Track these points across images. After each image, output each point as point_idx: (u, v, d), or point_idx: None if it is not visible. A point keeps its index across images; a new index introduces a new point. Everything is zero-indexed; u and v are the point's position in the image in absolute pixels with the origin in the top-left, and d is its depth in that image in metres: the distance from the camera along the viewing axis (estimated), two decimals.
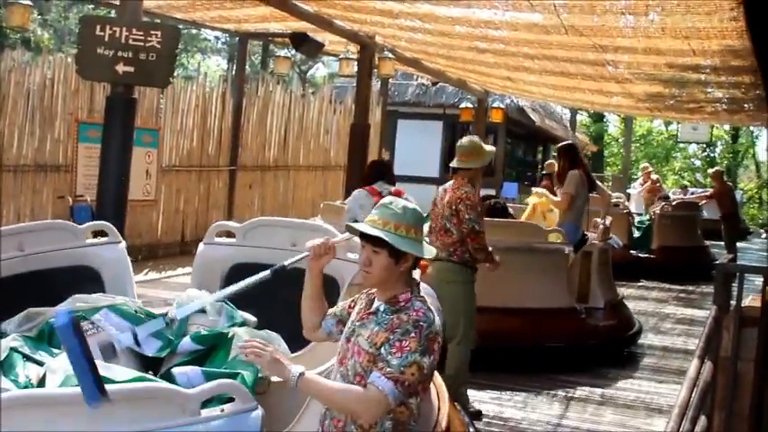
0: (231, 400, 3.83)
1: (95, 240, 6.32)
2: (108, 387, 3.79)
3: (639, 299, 14.45)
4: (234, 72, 17.76)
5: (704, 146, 45.88)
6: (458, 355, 7.25)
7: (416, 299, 3.52)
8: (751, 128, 40.43)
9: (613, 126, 49.98)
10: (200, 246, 6.43)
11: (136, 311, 5.07)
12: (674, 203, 19.26)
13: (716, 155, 48.53)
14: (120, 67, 8.56)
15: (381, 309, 3.51)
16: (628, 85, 13.60)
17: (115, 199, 8.78)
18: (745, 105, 14.40)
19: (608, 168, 47.44)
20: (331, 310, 3.86)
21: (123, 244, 6.32)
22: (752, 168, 49.88)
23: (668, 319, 12.93)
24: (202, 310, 5.08)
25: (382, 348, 3.35)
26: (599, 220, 11.07)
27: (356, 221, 6.81)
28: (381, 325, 3.44)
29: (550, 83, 15.11)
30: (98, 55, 8.54)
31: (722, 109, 15.50)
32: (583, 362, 9.22)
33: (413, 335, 3.35)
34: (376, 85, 19.63)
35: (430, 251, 3.63)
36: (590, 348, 9.50)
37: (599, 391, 8.60)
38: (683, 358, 9.88)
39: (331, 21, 12.55)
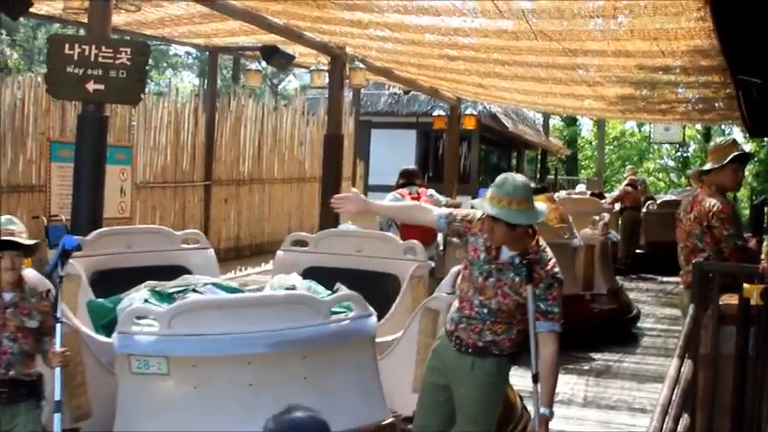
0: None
1: (189, 246, 7.70)
2: (265, 293, 6.11)
3: (634, 289, 15.26)
4: (205, 87, 17.72)
5: (677, 146, 46.12)
6: None
7: (542, 251, 4.55)
8: (722, 126, 40.63)
9: (586, 129, 50.19)
10: (279, 252, 7.95)
11: (234, 288, 6.49)
12: (658, 203, 20.23)
13: (689, 154, 48.77)
14: (91, 86, 8.52)
15: (516, 261, 4.49)
16: (599, 87, 13.69)
17: (90, 217, 8.72)
18: (716, 104, 14.51)
19: (582, 171, 47.62)
20: (449, 215, 4.81)
21: (212, 250, 7.74)
22: None
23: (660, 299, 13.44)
24: (292, 287, 6.44)
25: (538, 302, 4.45)
26: (597, 217, 12.65)
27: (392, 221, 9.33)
28: (521, 276, 4.45)
29: (522, 88, 15.18)
30: (68, 74, 8.50)
31: (693, 109, 15.62)
32: (590, 340, 10.42)
33: (556, 285, 4.52)
34: (348, 95, 19.65)
35: (540, 215, 4.50)
36: (596, 329, 10.79)
37: (605, 364, 9.99)
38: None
39: (301, 33, 12.55)
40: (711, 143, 6.89)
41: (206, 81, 17.80)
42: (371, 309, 5.47)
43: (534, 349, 4.45)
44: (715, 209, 6.30)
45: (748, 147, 43.02)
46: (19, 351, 4.67)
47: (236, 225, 17.87)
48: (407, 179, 9.81)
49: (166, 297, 5.93)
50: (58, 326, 4.63)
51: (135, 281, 6.25)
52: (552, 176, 39.28)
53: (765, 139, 28.73)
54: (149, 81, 32.66)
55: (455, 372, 4.61)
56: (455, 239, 5.01)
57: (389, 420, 5.45)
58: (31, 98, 12.85)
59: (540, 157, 36.64)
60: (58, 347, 4.64)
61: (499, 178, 4.53)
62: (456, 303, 4.69)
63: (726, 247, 6.24)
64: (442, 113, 21.40)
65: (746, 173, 43.14)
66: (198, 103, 16.94)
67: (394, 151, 24.77)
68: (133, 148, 14.43)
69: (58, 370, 4.56)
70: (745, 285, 5.39)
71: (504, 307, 4.49)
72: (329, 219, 12.88)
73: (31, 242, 4.78)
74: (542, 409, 4.44)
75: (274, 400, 4.31)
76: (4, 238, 4.69)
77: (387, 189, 21.63)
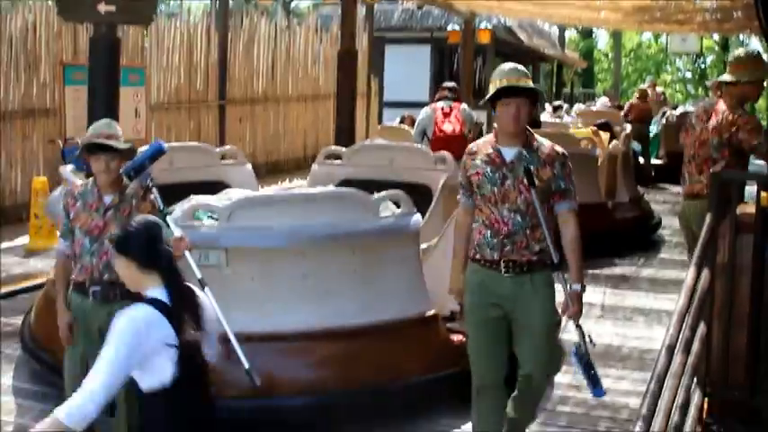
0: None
1: (228, 161, 8.00)
2: (317, 190, 6.77)
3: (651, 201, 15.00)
4: (217, 6, 17.56)
5: (694, 57, 45.65)
6: None
7: (539, 140, 4.66)
8: (741, 37, 40.13)
9: (603, 42, 49.74)
10: (314, 166, 8.33)
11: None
12: (677, 114, 19.93)
13: (706, 66, 48.30)
14: (102, 7, 8.43)
15: (524, 152, 4.55)
16: None
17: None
18: (734, 13, 14.28)
19: (599, 84, 47.27)
20: (463, 189, 4.73)
21: (249, 165, 8.07)
22: None
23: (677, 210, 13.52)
24: None
25: (558, 182, 4.55)
26: (618, 128, 13.61)
27: (425, 131, 10.07)
28: (534, 163, 4.51)
29: None
30: None
31: (711, 18, 15.38)
32: (612, 247, 10.76)
33: (568, 162, 4.62)
34: (361, 11, 19.44)
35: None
36: (618, 236, 11.15)
37: (630, 269, 10.54)
38: None
39: None
40: (735, 54, 6.76)
41: (218, 0, 17.62)
42: (415, 209, 5.93)
43: (548, 234, 4.47)
44: (741, 120, 6.27)
45: (766, 56, 42.69)
46: None
47: (252, 144, 17.85)
48: (442, 94, 10.41)
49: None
50: (170, 219, 4.53)
51: (177, 197, 6.27)
52: (568, 90, 39.03)
53: None
54: (161, 1, 32.38)
55: (515, 298, 4.52)
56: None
57: (432, 312, 5.72)
58: (43, 22, 12.80)
59: (555, 70, 36.34)
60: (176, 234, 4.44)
61: (505, 65, 4.67)
62: (485, 232, 4.56)
63: (759, 156, 6.42)
64: (457, 28, 21.17)
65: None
66: (210, 23, 16.82)
67: (408, 67, 24.58)
68: (146, 70, 14.39)
69: (188, 254, 4.35)
70: (763, 194, 5.37)
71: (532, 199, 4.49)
72: (345, 135, 12.85)
73: (125, 146, 4.78)
74: (574, 286, 4.51)
75: (326, 292, 5.59)
76: (98, 140, 4.74)
77: (402, 105, 21.78)
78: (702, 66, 48.54)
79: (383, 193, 6.00)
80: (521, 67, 4.66)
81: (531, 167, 4.47)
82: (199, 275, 4.41)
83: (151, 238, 3.53)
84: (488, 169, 4.56)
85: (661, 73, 49.59)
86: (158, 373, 3.36)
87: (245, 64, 17.59)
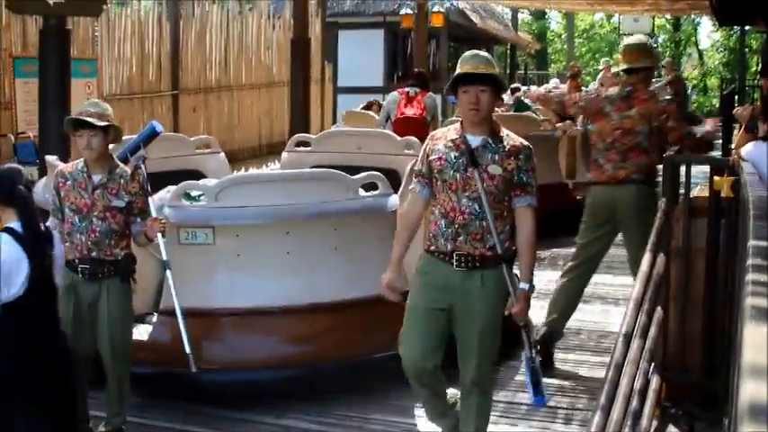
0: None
1: (203, 150, 8.26)
2: (300, 171, 7.10)
3: None
4: None
5: (647, 37, 45.93)
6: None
7: (505, 131, 4.54)
8: (692, 16, 40.44)
9: (555, 23, 49.86)
10: (284, 154, 8.56)
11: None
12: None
13: (658, 45, 48.64)
14: None
15: (490, 141, 4.43)
16: None
17: (58, 133, 8.64)
18: None
19: (552, 66, 47.45)
20: (420, 176, 4.60)
21: (223, 154, 8.27)
22: (694, 57, 50.03)
23: None
24: None
25: (521, 175, 4.41)
26: None
27: (389, 115, 10.37)
28: (500, 153, 4.40)
29: None
30: None
31: None
32: (574, 226, 10.42)
33: (531, 156, 4.48)
34: None
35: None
36: (578, 215, 10.46)
37: None
38: None
39: None
40: (626, 42, 6.76)
41: None
42: (392, 190, 6.22)
43: (494, 225, 4.35)
44: (670, 108, 6.39)
45: (717, 35, 43.03)
46: (107, 230, 4.98)
47: (206, 133, 17.71)
48: (408, 81, 10.91)
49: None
50: (150, 199, 5.06)
51: (153, 186, 6.37)
52: (522, 72, 39.15)
53: (735, 27, 28.64)
54: None
55: (462, 291, 4.44)
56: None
57: (407, 289, 5.72)
58: None
59: (509, 52, 36.43)
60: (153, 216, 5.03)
61: (468, 53, 4.58)
62: (441, 222, 4.48)
63: (687, 143, 6.38)
64: (410, 12, 21.15)
65: (716, 62, 43.04)
66: (161, 12, 16.68)
67: (362, 52, 24.54)
68: (98, 61, 14.25)
69: (159, 236, 4.97)
70: (716, 178, 5.42)
71: (494, 188, 4.36)
72: (299, 123, 12.83)
73: (102, 123, 4.93)
74: (522, 285, 4.42)
75: (309, 267, 5.93)
76: (78, 117, 4.95)
77: (356, 90, 21.76)
78: (654, 45, 48.86)
79: (362, 174, 6.19)
80: (483, 53, 4.60)
81: (496, 156, 4.38)
82: (164, 257, 4.93)
83: (10, 181, 4.36)
84: (452, 155, 4.45)
85: (614, 53, 49.82)
86: (12, 287, 4.18)
87: (197, 53, 17.47)
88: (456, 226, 4.42)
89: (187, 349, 4.70)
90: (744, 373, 1.48)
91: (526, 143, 4.52)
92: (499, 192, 4.38)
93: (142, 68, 15.91)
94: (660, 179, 6.11)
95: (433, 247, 4.53)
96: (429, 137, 4.72)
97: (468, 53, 4.58)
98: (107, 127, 4.97)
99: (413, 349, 4.56)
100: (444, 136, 4.57)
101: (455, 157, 4.44)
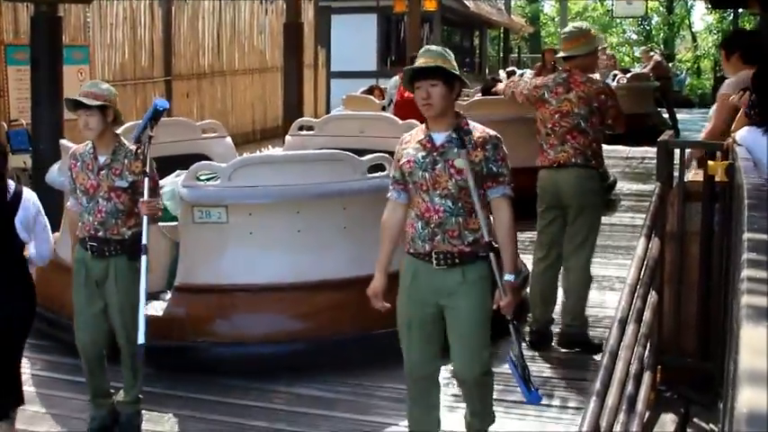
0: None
1: (209, 135, 8.42)
2: (310, 152, 7.38)
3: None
4: None
5: (640, 20, 45.88)
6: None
7: (471, 121, 4.52)
8: None
9: (549, 5, 49.79)
10: (287, 137, 8.81)
11: None
12: (628, 76, 20.44)
13: (651, 28, 48.57)
14: None
15: (455, 136, 4.35)
16: None
17: (50, 120, 8.63)
18: None
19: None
20: (395, 183, 4.63)
21: (229, 138, 8.48)
22: (688, 39, 49.98)
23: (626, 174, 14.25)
24: None
25: (490, 165, 4.37)
26: None
27: (392, 99, 10.80)
28: (466, 146, 4.32)
29: None
30: None
31: None
32: None
33: (500, 145, 4.43)
34: None
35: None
36: None
37: None
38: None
39: None
40: (567, 30, 6.90)
41: None
42: None
43: (482, 215, 4.34)
44: (609, 90, 6.70)
45: (711, 18, 42.95)
46: (113, 209, 5.13)
47: (200, 119, 17.63)
48: (403, 65, 10.85)
49: None
50: (146, 180, 5.08)
51: (161, 170, 6.45)
52: (515, 55, 39.09)
53: (728, 10, 28.60)
54: None
55: (445, 290, 4.42)
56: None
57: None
58: None
59: (502, 36, 36.38)
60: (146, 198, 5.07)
61: (424, 48, 4.62)
62: (417, 224, 4.46)
63: (620, 123, 6.61)
64: None
65: (710, 45, 42.96)
66: None
67: (355, 37, 24.50)
68: (90, 47, 14.19)
69: (145, 218, 5.05)
70: (710, 162, 5.42)
71: (464, 183, 4.31)
72: (293, 108, 12.81)
73: (96, 103, 5.03)
74: (507, 276, 4.38)
75: (319, 245, 6.23)
76: (74, 97, 5.09)
77: (349, 75, 21.72)
78: (648, 28, 48.79)
79: (370, 156, 6.37)
80: (435, 47, 4.60)
81: (464, 150, 4.31)
82: (144, 242, 5.02)
83: None
84: (419, 155, 4.44)
85: (607, 36, 49.80)
86: None
87: (190, 38, 17.40)
88: (432, 226, 4.40)
89: (141, 340, 4.85)
90: (741, 379, 1.42)
91: (493, 133, 4.48)
92: (470, 186, 4.31)
93: (135, 54, 15.84)
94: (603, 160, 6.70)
95: (412, 250, 4.52)
96: (399, 142, 4.73)
97: (422, 48, 4.63)
98: (104, 107, 5.05)
99: (411, 358, 4.62)
100: (412, 138, 4.59)
101: (422, 157, 4.46)
